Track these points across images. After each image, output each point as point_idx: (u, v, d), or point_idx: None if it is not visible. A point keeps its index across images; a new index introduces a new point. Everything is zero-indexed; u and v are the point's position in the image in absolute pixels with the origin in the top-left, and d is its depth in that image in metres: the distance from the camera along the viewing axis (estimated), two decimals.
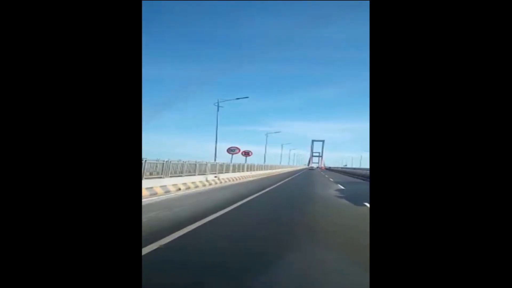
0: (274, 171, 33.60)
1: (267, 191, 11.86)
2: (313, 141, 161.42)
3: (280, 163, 53.03)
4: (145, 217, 5.41)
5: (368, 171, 24.81)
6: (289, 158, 79.67)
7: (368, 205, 8.04)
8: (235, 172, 18.88)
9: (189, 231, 4.52)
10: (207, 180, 13.45)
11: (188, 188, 11.25)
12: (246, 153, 24.83)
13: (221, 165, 16.58)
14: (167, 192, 9.55)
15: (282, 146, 57.76)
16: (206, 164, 14.06)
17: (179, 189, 10.51)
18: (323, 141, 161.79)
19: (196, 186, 12.05)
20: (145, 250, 3.35)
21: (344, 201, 9.48)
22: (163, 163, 10.17)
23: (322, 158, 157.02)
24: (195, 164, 12.79)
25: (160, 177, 9.94)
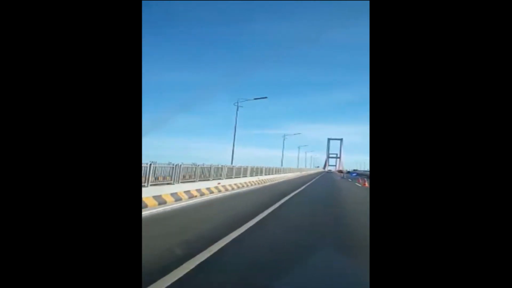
0: (280, 175, 26.38)
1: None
2: (329, 139, 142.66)
3: (298, 166, 51.05)
4: None
5: None
6: (306, 161, 76.14)
7: None
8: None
9: None
10: None
11: None
12: None
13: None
14: None
15: (299, 148, 56.29)
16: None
17: None
18: (341, 139, 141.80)
19: None
20: None
21: None
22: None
23: (340, 160, 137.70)
24: None
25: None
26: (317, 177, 34.31)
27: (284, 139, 40.16)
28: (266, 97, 21.56)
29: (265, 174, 20.23)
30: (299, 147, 56.68)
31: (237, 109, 20.29)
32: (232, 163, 18.26)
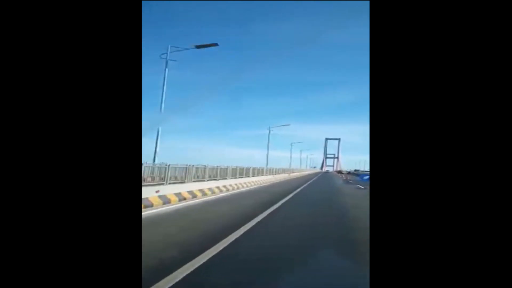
0: (243, 180, 16.91)
1: None
2: (326, 139, 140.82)
3: (290, 166, 43.93)
4: None
5: None
6: (301, 161, 67.00)
7: None
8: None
9: None
10: None
11: None
12: None
13: None
14: None
15: (291, 145, 48.98)
16: None
17: None
18: (338, 139, 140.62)
19: None
20: None
21: None
22: None
23: (338, 160, 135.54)
24: None
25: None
26: (306, 184, 21.98)
27: (269, 132, 32.90)
28: (216, 44, 14.05)
29: (222, 178, 14.04)
30: (291, 144, 49.79)
31: (167, 64, 13.40)
32: (154, 160, 12.15)
